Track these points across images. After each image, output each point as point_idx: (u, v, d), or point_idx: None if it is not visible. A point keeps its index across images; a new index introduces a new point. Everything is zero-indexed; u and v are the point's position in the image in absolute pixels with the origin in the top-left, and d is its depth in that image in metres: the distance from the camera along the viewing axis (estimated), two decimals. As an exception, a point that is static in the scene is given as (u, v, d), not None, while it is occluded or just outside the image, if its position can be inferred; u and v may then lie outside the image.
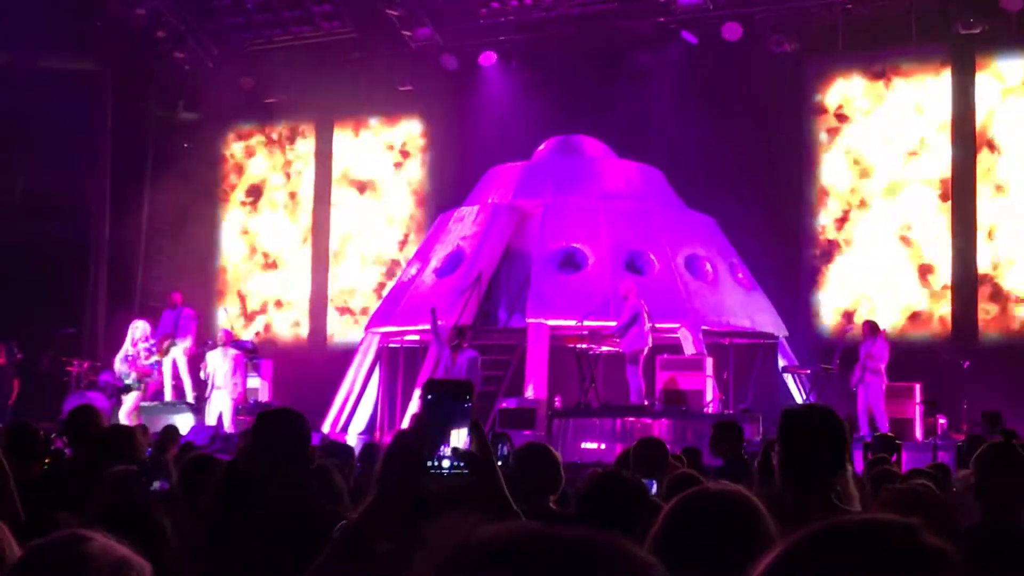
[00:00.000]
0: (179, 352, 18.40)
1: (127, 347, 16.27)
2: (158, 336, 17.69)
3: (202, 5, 22.15)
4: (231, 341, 17.43)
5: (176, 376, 18.50)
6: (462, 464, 2.33)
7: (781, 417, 3.78)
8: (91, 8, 21.65)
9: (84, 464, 5.46)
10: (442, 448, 2.34)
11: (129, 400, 15.42)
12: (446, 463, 2.34)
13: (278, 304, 23.63)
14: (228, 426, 16.51)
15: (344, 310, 23.02)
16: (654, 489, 6.39)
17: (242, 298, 23.89)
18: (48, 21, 20.08)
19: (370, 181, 23.22)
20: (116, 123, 23.08)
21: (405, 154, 23.05)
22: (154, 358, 16.41)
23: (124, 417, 14.94)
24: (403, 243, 22.65)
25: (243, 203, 24.26)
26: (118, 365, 16.24)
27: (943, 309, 18.91)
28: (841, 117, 20.00)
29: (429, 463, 2.34)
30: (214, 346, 17.57)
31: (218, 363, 17.03)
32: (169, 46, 22.74)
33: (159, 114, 23.86)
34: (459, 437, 2.34)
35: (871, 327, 15.98)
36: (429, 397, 2.38)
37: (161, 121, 23.86)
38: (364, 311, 21.98)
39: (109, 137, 23.08)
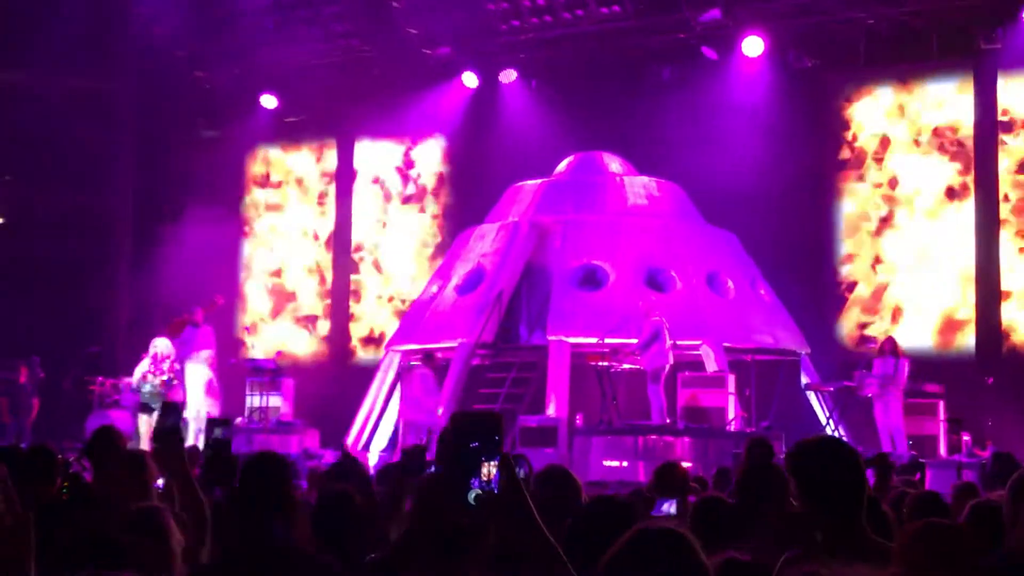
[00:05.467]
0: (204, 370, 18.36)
1: (146, 365, 15.95)
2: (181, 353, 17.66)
3: (222, 24, 22.23)
4: (213, 361, 17.25)
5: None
6: (490, 496, 2.32)
7: (789, 453, 3.76)
8: (112, 28, 21.77)
9: (102, 489, 5.44)
10: (472, 481, 2.32)
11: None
12: (474, 496, 2.32)
13: (299, 321, 23.66)
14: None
15: (365, 327, 23.04)
16: (673, 509, 6.32)
17: (263, 315, 23.94)
18: (70, 41, 20.22)
19: (390, 198, 23.25)
20: (138, 141, 23.24)
21: (426, 172, 23.07)
22: (168, 376, 16.05)
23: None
24: (425, 260, 22.65)
25: (264, 220, 24.33)
26: (137, 381, 15.95)
27: (967, 325, 18.77)
28: (862, 132, 19.90)
29: (460, 496, 2.32)
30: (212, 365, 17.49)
31: (192, 381, 16.91)
32: (189, 65, 22.85)
33: (180, 132, 23.98)
34: (489, 470, 2.32)
35: (893, 345, 15.78)
36: (459, 430, 2.35)
37: (182, 139, 23.98)
38: (386, 328, 21.99)
39: (131, 155, 23.23)
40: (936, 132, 19.33)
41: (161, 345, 15.73)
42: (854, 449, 3.89)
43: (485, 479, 2.33)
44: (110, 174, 22.99)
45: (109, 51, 22.21)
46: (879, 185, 19.65)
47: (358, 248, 23.32)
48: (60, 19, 20.02)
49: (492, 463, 2.33)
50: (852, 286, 19.67)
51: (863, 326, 19.39)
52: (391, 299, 22.89)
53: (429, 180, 23.04)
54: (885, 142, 19.71)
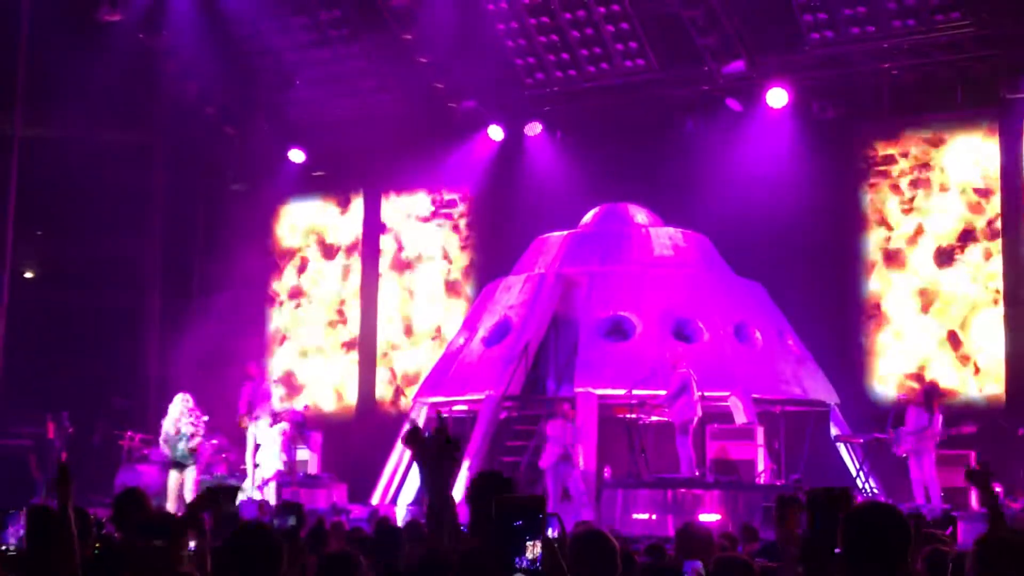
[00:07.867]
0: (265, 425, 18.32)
1: (172, 423, 15.85)
2: (243, 408, 17.81)
3: (251, 80, 22.52)
4: (279, 416, 17.31)
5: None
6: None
7: (845, 520, 3.79)
8: (144, 84, 22.09)
9: (132, 550, 5.49)
10: (518, 560, 2.35)
11: (189, 478, 15.37)
12: None
13: (327, 374, 23.71)
14: (272, 498, 16.47)
15: (393, 380, 23.07)
16: (700, 570, 6.29)
17: (292, 367, 24.03)
18: (101, 97, 20.52)
19: (417, 250, 23.35)
20: (168, 194, 23.51)
21: (452, 224, 23.18)
22: (194, 435, 15.94)
23: (190, 495, 14.90)
24: (451, 313, 22.70)
25: (292, 271, 24.47)
26: (163, 442, 15.89)
27: (997, 373, 18.63)
28: (887, 182, 19.88)
29: (503, 574, 2.35)
30: (259, 417, 17.55)
31: (266, 437, 17.00)
32: (219, 121, 23.12)
33: (210, 186, 24.23)
34: (534, 550, 2.36)
35: (927, 397, 15.59)
36: (502, 509, 2.39)
37: (212, 193, 24.23)
38: (413, 381, 22.01)
39: (161, 208, 23.49)
40: (961, 181, 19.30)
41: (181, 401, 15.81)
42: (903, 515, 3.91)
43: (531, 558, 2.36)
44: (141, 228, 23.23)
45: (140, 107, 22.56)
46: (905, 234, 19.60)
47: (385, 298, 23.39)
48: (92, 75, 20.30)
49: (536, 542, 2.37)
50: (880, 335, 19.58)
51: (892, 376, 19.27)
52: (418, 350, 22.92)
53: (455, 232, 23.14)
54: (910, 192, 19.69)
